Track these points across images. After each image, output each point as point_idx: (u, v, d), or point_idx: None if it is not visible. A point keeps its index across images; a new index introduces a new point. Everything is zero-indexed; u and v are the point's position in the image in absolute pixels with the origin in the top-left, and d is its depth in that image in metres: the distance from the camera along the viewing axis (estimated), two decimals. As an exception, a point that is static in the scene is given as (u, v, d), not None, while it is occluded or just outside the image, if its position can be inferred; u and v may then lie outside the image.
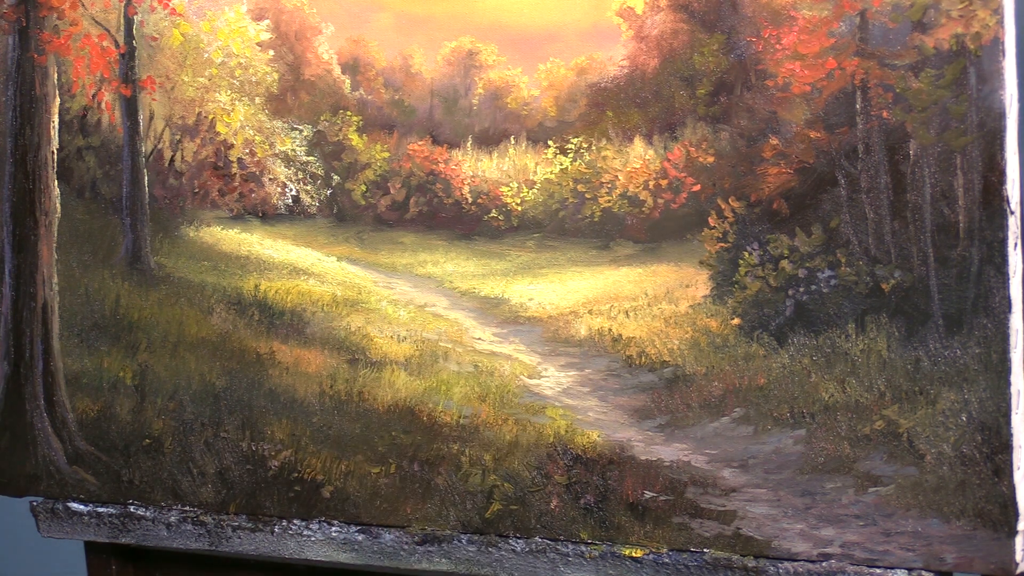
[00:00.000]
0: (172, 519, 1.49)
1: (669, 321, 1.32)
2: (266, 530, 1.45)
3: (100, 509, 1.52)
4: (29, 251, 1.50)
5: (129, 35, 1.46)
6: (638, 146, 1.33)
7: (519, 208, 1.38)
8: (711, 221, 1.30)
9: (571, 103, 1.33)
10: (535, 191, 1.37)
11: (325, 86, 1.42)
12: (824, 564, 1.27)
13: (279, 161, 1.44)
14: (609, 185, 1.34)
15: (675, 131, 1.30)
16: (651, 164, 1.32)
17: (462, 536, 1.39)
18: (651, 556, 1.32)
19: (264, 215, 1.45)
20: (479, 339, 1.39)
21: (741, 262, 1.29)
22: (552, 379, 1.37)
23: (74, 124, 1.49)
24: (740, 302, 1.29)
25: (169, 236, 1.48)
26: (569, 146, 1.34)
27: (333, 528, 1.41)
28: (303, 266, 1.44)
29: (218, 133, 1.45)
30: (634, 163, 1.33)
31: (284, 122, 1.44)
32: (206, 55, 1.44)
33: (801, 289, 1.27)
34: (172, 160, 1.47)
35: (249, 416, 1.43)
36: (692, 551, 1.31)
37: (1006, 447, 1.20)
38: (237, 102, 1.44)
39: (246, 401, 1.38)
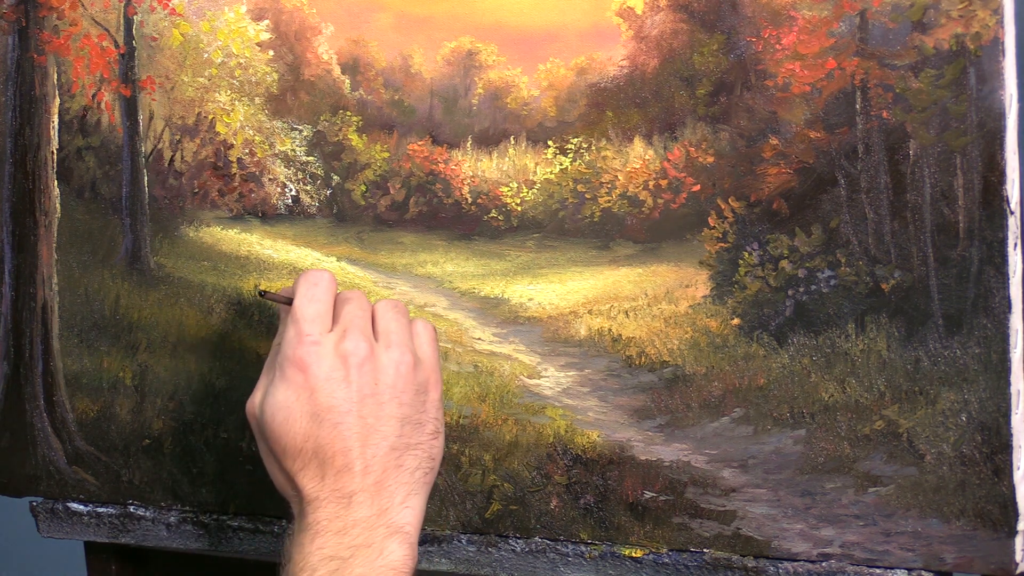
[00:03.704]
0: (172, 519, 1.49)
1: (669, 321, 1.32)
2: (266, 531, 1.45)
3: (100, 509, 1.52)
4: (29, 251, 1.50)
5: (129, 35, 1.46)
6: (638, 146, 1.33)
7: (519, 208, 1.38)
8: (711, 221, 1.30)
9: (571, 103, 1.33)
10: (535, 191, 1.37)
11: (325, 86, 1.42)
12: (824, 564, 1.27)
13: (279, 161, 1.44)
14: (609, 185, 1.34)
15: (675, 131, 1.30)
16: (651, 164, 1.32)
17: (462, 536, 1.39)
18: (651, 556, 1.32)
19: (264, 215, 1.46)
20: (479, 339, 1.39)
21: (741, 262, 1.29)
22: (552, 379, 1.37)
23: (74, 124, 1.49)
24: (740, 302, 1.29)
25: (169, 236, 1.48)
26: (569, 146, 1.34)
27: (333, 528, 1.41)
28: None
29: (218, 133, 1.45)
30: (634, 163, 1.33)
31: (284, 122, 1.44)
32: (206, 55, 1.44)
33: (801, 289, 1.27)
34: (172, 160, 1.47)
35: (249, 416, 1.43)
36: (692, 551, 1.31)
37: (1006, 447, 1.20)
38: (237, 102, 1.44)
39: (246, 401, 1.38)
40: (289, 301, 1.22)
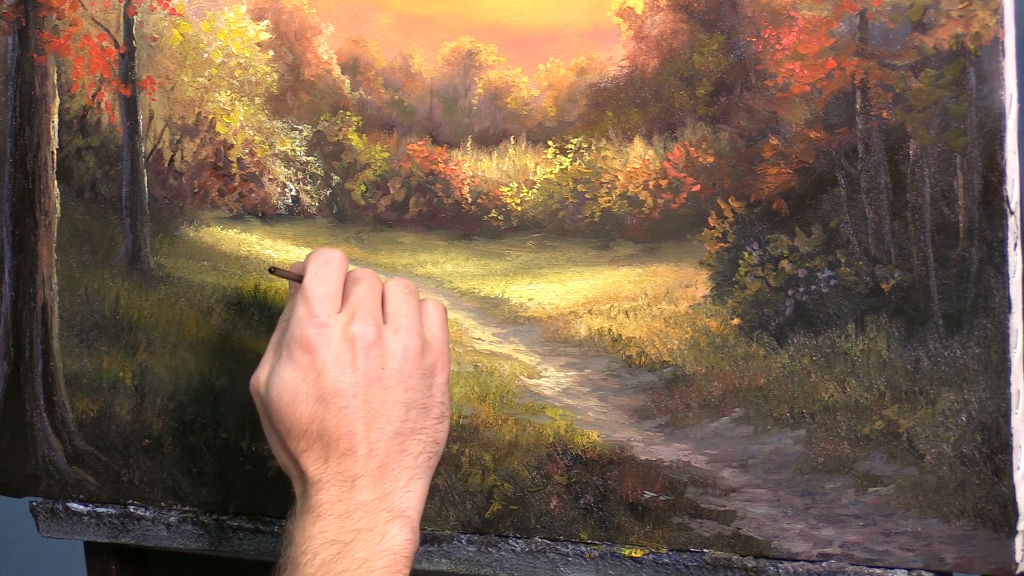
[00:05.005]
0: (172, 519, 1.49)
1: (669, 321, 1.32)
2: (266, 531, 1.45)
3: (100, 509, 1.52)
4: (29, 251, 1.50)
5: (129, 35, 1.46)
6: (638, 146, 1.33)
7: (519, 208, 1.38)
8: (711, 221, 1.30)
9: (571, 103, 1.33)
10: (535, 191, 1.37)
11: (325, 86, 1.42)
12: (824, 564, 1.27)
13: (279, 161, 1.44)
14: (609, 185, 1.34)
15: (675, 131, 1.30)
16: (651, 164, 1.32)
17: (462, 536, 1.39)
18: (651, 556, 1.32)
19: (264, 215, 1.46)
20: (479, 339, 1.39)
21: (741, 262, 1.29)
22: (552, 379, 1.37)
23: (74, 124, 1.49)
24: (740, 302, 1.29)
25: (169, 236, 1.48)
26: (569, 146, 1.34)
27: (333, 528, 1.41)
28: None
29: (218, 133, 1.45)
30: (634, 163, 1.33)
31: (284, 122, 1.44)
32: (206, 55, 1.44)
33: (801, 289, 1.27)
34: (172, 160, 1.47)
35: (249, 416, 1.43)
36: (692, 551, 1.31)
37: (1006, 447, 1.20)
38: (237, 102, 1.44)
39: (246, 401, 1.38)
40: (299, 278, 1.22)
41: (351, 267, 1.24)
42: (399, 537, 1.16)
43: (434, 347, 1.22)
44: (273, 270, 1.26)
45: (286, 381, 1.18)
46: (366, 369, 1.18)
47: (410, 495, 1.18)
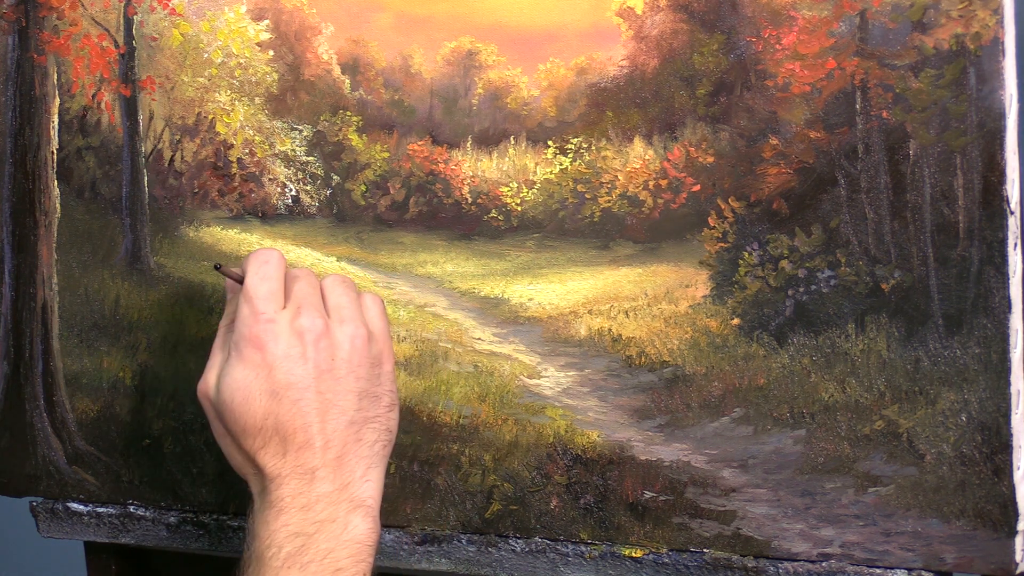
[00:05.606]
0: (172, 520, 1.49)
1: (669, 321, 1.32)
2: (266, 530, 1.45)
3: (100, 509, 1.52)
4: (29, 251, 1.50)
5: (129, 35, 1.46)
6: (638, 146, 1.33)
7: (519, 208, 1.38)
8: (711, 221, 1.30)
9: (571, 103, 1.33)
10: (535, 191, 1.37)
11: (325, 86, 1.42)
12: (824, 564, 1.27)
13: (279, 161, 1.44)
14: (609, 185, 1.34)
15: (675, 131, 1.30)
16: (651, 164, 1.32)
17: (462, 536, 1.39)
18: (651, 556, 1.32)
19: (264, 215, 1.46)
20: (479, 339, 1.39)
21: (741, 262, 1.29)
22: (552, 379, 1.37)
23: (74, 124, 1.49)
24: (740, 302, 1.29)
25: (169, 236, 1.48)
26: (569, 146, 1.34)
27: (333, 528, 1.41)
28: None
29: (218, 133, 1.45)
30: (634, 163, 1.33)
31: (284, 122, 1.44)
32: (206, 55, 1.44)
33: (801, 289, 1.27)
34: (172, 160, 1.47)
35: (249, 416, 1.43)
36: (692, 551, 1.31)
37: (1006, 447, 1.20)
38: (237, 102, 1.44)
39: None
40: (241, 279, 1.23)
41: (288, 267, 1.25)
42: (361, 527, 1.17)
43: (379, 337, 1.23)
44: (218, 267, 1.27)
45: (237, 380, 1.19)
46: (316, 360, 1.19)
47: (368, 484, 1.19)
